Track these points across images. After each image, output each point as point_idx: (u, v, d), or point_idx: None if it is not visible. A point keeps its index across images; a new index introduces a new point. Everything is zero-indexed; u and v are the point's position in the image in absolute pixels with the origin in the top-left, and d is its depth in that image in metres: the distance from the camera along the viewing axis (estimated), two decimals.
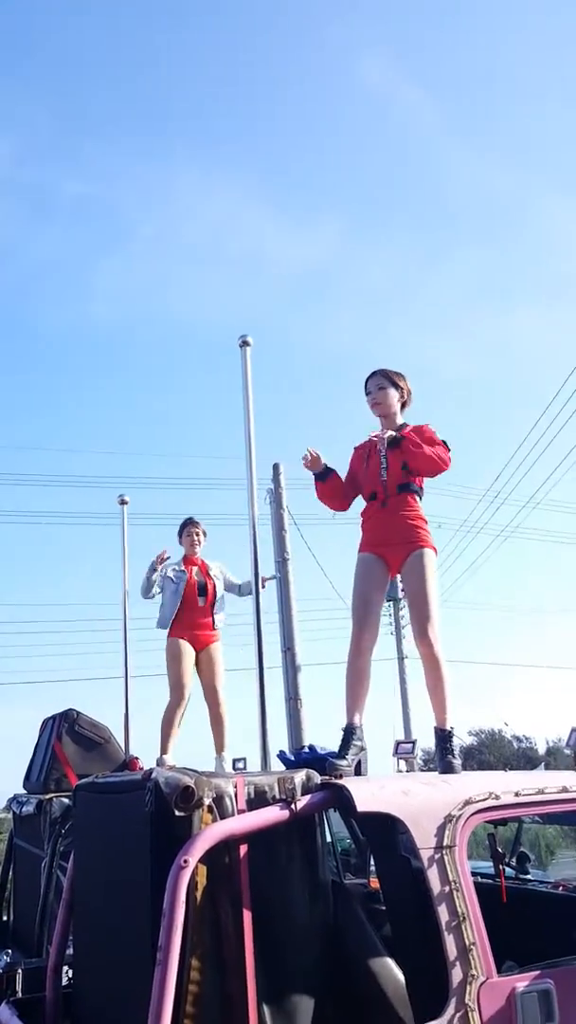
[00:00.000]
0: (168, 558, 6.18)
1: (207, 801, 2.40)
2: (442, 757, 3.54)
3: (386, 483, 3.97)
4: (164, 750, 5.86)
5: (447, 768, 3.45)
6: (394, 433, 3.99)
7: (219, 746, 5.92)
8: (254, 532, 3.68)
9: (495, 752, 38.95)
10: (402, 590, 4.10)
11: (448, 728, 3.66)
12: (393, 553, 3.90)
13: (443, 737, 3.63)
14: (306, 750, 3.79)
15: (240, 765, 5.73)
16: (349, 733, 3.61)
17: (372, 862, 4.38)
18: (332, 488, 4.12)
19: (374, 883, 4.14)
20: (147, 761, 5.56)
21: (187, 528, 6.31)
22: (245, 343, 3.78)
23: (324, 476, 4.12)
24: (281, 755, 3.72)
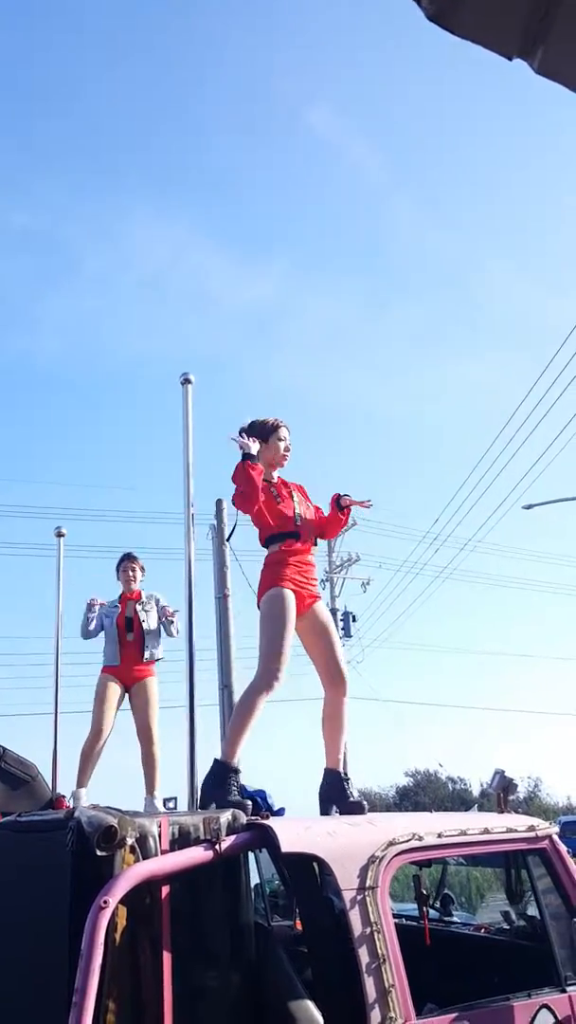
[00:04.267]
0: (98, 604, 6.11)
1: (130, 841, 2.38)
2: (346, 797, 3.60)
3: (302, 529, 4.03)
4: (81, 783, 5.75)
5: (354, 808, 3.49)
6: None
7: (150, 786, 5.83)
8: (189, 569, 3.69)
9: (430, 793, 39.03)
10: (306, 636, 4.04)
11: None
12: (307, 597, 3.95)
13: (342, 778, 3.74)
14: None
15: (171, 805, 5.64)
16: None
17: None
18: (256, 478, 3.96)
19: (300, 925, 4.11)
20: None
21: (123, 564, 6.25)
22: (187, 380, 3.81)
23: (255, 458, 3.99)
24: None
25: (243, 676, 15.99)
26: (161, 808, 5.48)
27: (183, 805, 4.94)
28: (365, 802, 3.55)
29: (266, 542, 4.05)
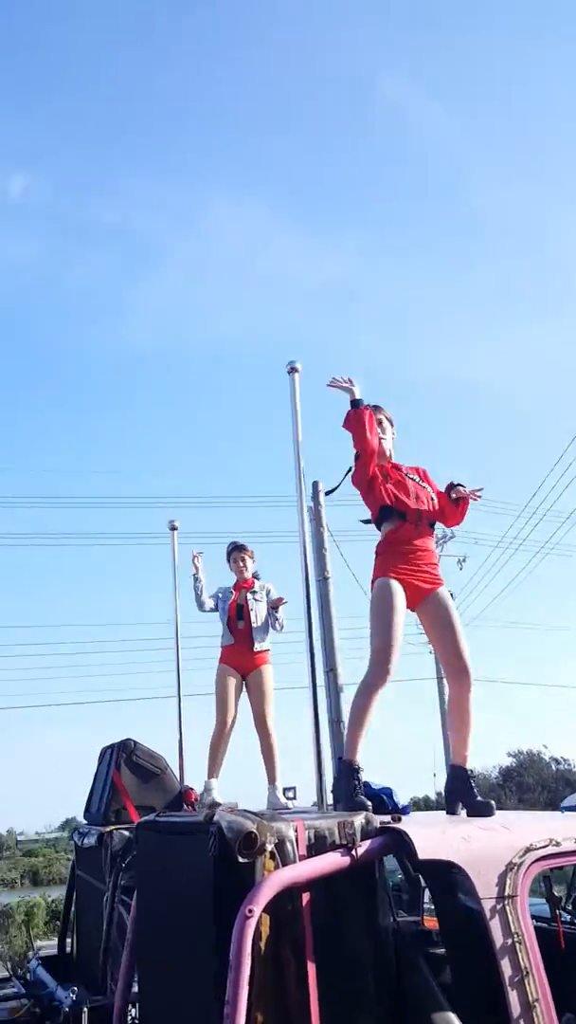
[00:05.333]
0: (199, 553, 6.17)
1: (269, 847, 2.40)
2: (473, 796, 3.53)
3: (420, 512, 3.94)
4: (211, 774, 5.85)
5: (482, 808, 3.44)
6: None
7: (271, 776, 5.87)
8: (304, 552, 3.65)
9: (534, 774, 38.28)
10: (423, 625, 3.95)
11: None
12: (422, 585, 3.86)
13: (469, 775, 3.64)
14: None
15: (290, 795, 5.70)
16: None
17: (426, 902, 4.35)
18: (369, 420, 3.90)
19: (428, 922, 4.09)
20: (199, 788, 5.58)
21: (233, 554, 6.27)
22: (294, 369, 3.74)
23: (360, 403, 3.93)
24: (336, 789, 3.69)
25: (347, 660, 16.02)
26: (282, 798, 5.53)
27: (304, 794, 4.97)
28: (493, 802, 3.49)
29: (379, 521, 3.95)
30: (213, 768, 5.89)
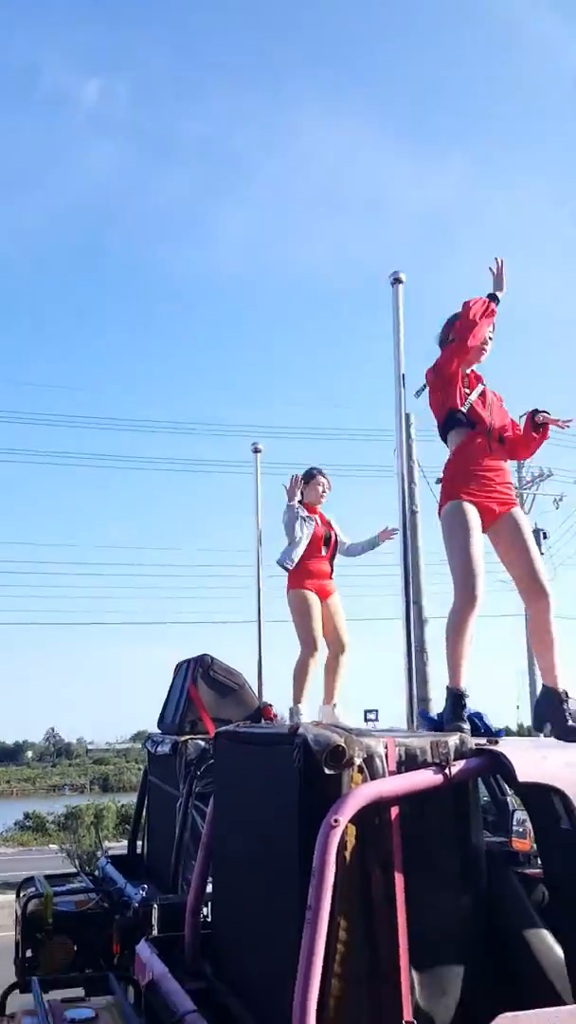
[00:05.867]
0: (301, 482, 6.04)
1: (357, 761, 2.31)
2: (564, 720, 3.39)
3: (494, 429, 3.73)
4: (298, 699, 5.82)
5: (572, 733, 3.30)
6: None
7: (331, 695, 5.82)
8: (403, 481, 3.50)
9: None
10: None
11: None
12: (496, 505, 3.68)
13: (560, 696, 3.49)
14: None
15: (372, 717, 5.65)
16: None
17: (514, 824, 4.24)
18: (487, 322, 3.73)
19: (516, 843, 4.00)
20: (280, 709, 5.56)
21: (316, 477, 6.15)
22: (397, 280, 3.51)
23: (498, 302, 3.75)
24: (422, 713, 3.59)
25: (429, 592, 15.89)
26: (337, 717, 5.45)
27: (392, 721, 4.90)
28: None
29: (446, 427, 3.75)
30: (299, 694, 5.84)
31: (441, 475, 3.84)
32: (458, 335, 3.71)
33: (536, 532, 23.94)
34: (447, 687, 3.50)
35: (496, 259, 3.79)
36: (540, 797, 2.48)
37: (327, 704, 5.80)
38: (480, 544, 3.59)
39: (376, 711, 5.75)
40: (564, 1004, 2.25)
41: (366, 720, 5.62)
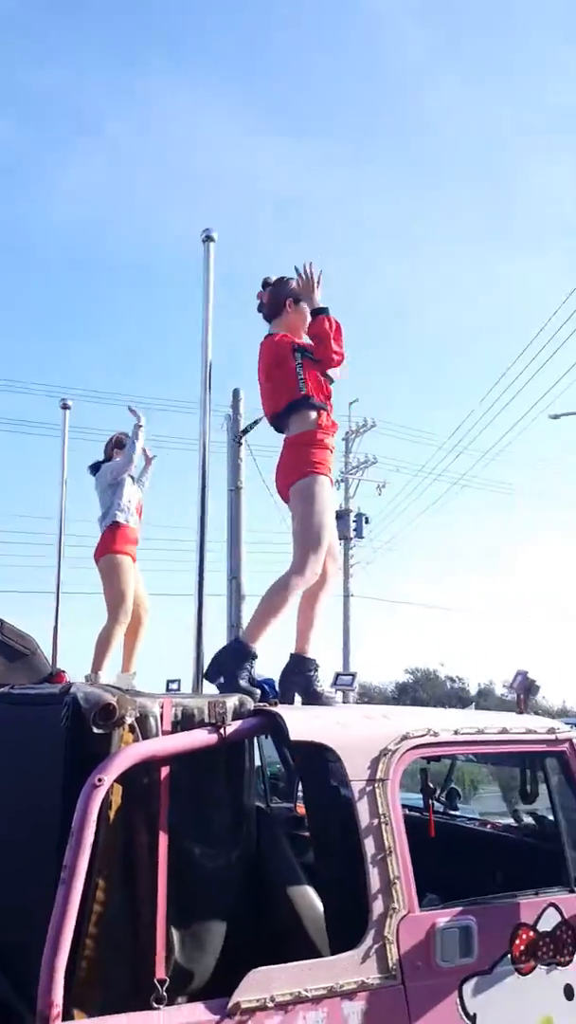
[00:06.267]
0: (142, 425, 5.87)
1: (129, 720, 2.26)
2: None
3: (329, 404, 3.82)
4: (98, 668, 5.68)
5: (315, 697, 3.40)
6: None
7: (129, 663, 5.76)
8: (204, 455, 3.44)
9: (428, 691, 39.93)
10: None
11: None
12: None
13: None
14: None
15: (174, 687, 5.61)
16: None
17: (300, 789, 4.34)
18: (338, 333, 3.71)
19: (300, 808, 4.09)
20: (76, 678, 5.39)
21: (124, 442, 6.03)
22: (209, 237, 3.43)
23: (327, 311, 3.70)
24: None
25: (250, 567, 16.05)
26: (134, 686, 5.40)
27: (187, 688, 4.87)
28: (335, 697, 3.45)
29: (302, 403, 3.72)
30: (100, 662, 5.70)
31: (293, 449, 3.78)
32: (321, 359, 3.71)
33: (359, 517, 24.79)
34: (238, 638, 3.53)
35: (307, 266, 3.73)
36: (310, 757, 2.52)
37: (126, 672, 5.72)
38: (333, 525, 3.69)
39: (179, 680, 5.70)
40: (321, 958, 2.30)
41: (168, 690, 5.57)
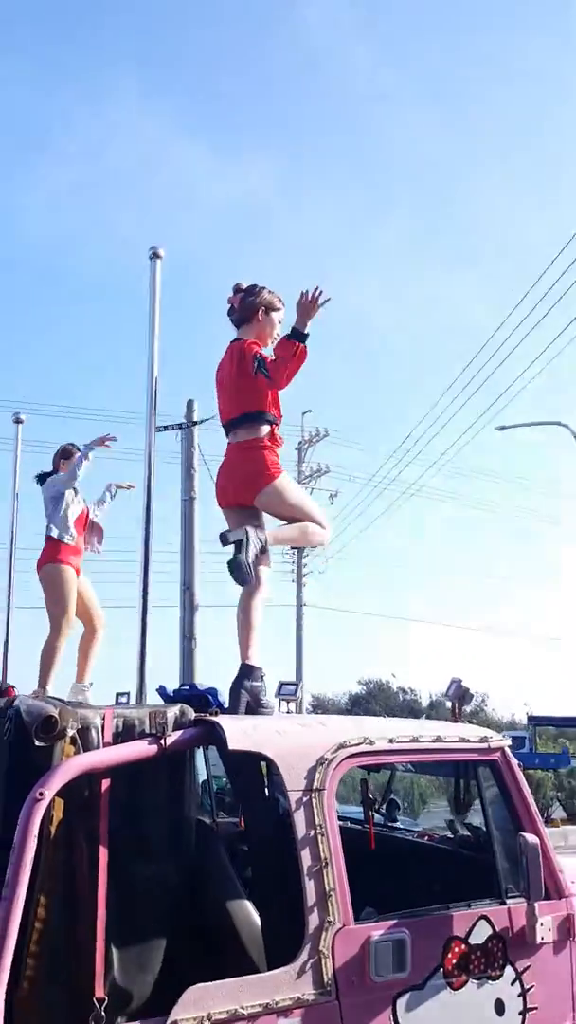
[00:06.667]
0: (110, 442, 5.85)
1: (71, 732, 2.28)
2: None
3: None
4: (44, 683, 5.63)
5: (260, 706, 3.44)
6: None
7: (83, 674, 5.73)
8: (149, 462, 3.47)
9: (381, 702, 40.14)
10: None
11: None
12: None
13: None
14: (187, 687, 3.68)
15: (124, 700, 5.59)
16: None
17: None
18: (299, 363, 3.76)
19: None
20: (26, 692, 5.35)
21: (73, 452, 6.00)
22: (156, 255, 3.49)
23: (305, 339, 3.70)
24: (161, 690, 3.60)
25: (204, 577, 15.98)
26: (89, 698, 5.38)
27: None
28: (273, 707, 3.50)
29: (256, 417, 3.77)
30: (46, 677, 5.65)
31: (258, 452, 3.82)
32: (272, 375, 3.74)
33: None
34: (244, 663, 3.58)
35: (310, 292, 3.67)
36: (248, 766, 2.56)
37: (79, 682, 5.68)
38: None
39: (128, 693, 5.68)
40: (259, 972, 2.32)
41: (117, 703, 5.55)
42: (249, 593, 3.69)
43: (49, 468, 6.08)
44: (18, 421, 5.64)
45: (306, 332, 3.69)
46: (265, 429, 3.78)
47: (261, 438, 3.76)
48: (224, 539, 3.53)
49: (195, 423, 14.70)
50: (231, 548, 3.50)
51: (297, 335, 3.69)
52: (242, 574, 3.44)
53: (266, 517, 3.86)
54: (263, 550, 3.59)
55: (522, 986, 2.69)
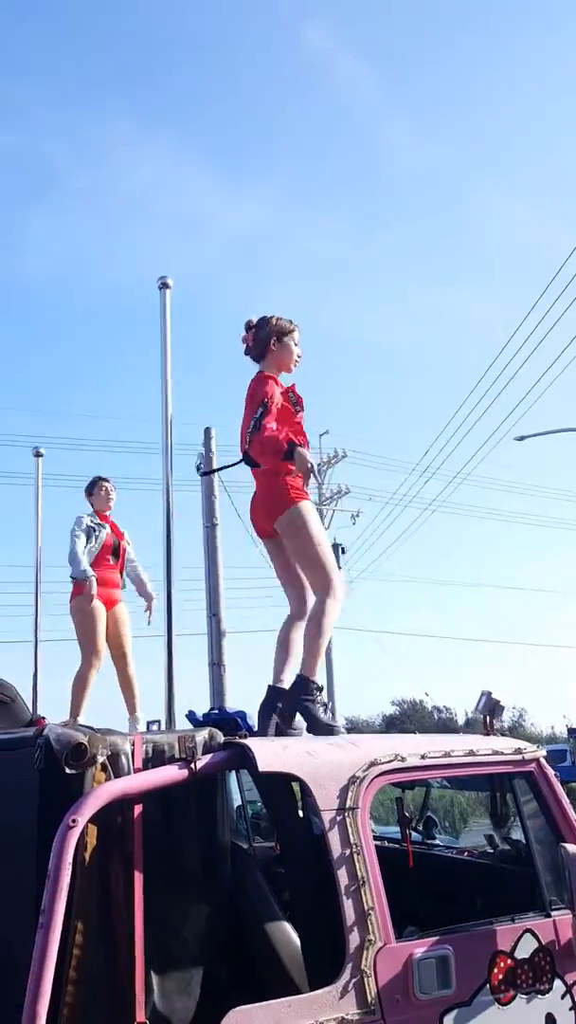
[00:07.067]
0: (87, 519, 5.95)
1: (101, 759, 2.28)
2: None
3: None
4: (76, 714, 5.67)
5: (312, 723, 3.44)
6: None
7: (132, 707, 5.78)
8: (167, 491, 3.50)
9: (416, 722, 39.77)
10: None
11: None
12: None
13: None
14: (216, 711, 3.68)
15: (155, 728, 5.60)
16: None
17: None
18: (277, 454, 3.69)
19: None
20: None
21: (99, 483, 6.09)
22: (165, 284, 3.55)
23: (291, 455, 3.66)
24: (190, 715, 3.60)
25: (230, 604, 16.00)
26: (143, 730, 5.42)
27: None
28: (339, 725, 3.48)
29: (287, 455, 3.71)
30: (78, 708, 5.71)
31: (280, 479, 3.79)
32: (257, 433, 3.74)
33: (335, 547, 24.85)
34: (300, 675, 3.56)
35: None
36: (280, 788, 2.54)
37: (131, 716, 5.72)
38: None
39: (159, 721, 5.68)
40: (301, 993, 2.29)
41: (148, 729, 5.55)
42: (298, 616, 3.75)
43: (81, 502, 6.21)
44: (38, 455, 5.71)
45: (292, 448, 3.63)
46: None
47: (282, 464, 3.76)
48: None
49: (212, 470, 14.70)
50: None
51: (290, 451, 3.63)
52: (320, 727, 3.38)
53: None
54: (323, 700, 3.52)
55: (573, 999, 2.64)
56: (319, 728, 3.34)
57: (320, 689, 3.54)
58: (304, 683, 3.53)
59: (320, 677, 3.67)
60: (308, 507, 3.76)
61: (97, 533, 5.86)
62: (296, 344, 4.00)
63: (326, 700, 3.53)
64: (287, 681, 3.71)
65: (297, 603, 3.87)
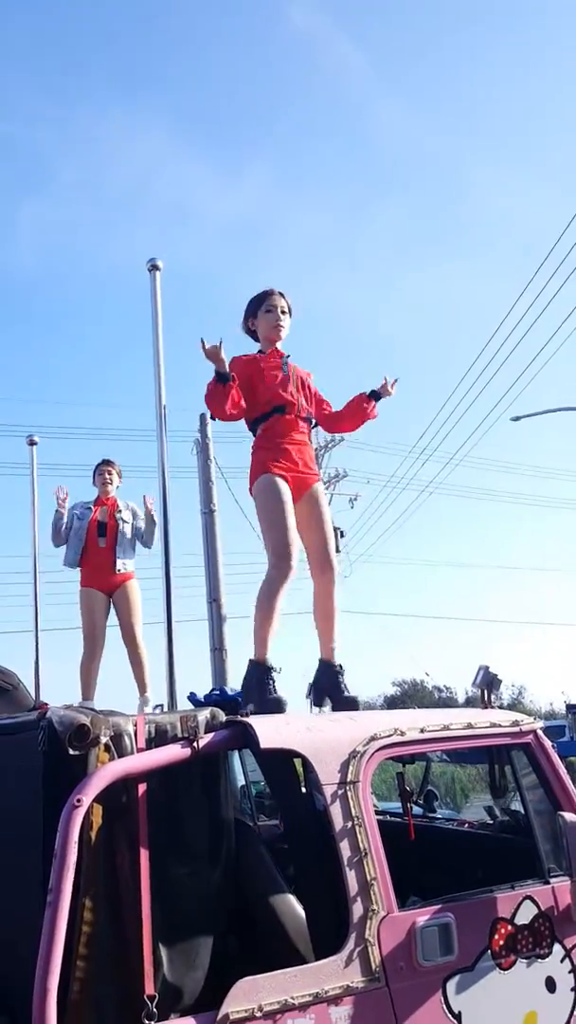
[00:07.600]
0: (65, 496, 5.98)
1: (104, 740, 2.31)
2: (340, 691, 3.53)
3: (297, 405, 3.81)
4: (86, 697, 5.75)
5: (348, 703, 3.47)
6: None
7: (142, 687, 5.82)
8: (163, 472, 3.51)
9: (417, 702, 39.93)
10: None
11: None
12: (303, 477, 3.78)
13: (335, 669, 3.64)
14: (217, 692, 3.72)
15: (158, 710, 5.66)
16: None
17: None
18: (233, 394, 3.65)
19: None
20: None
21: (99, 467, 6.14)
22: (155, 267, 3.53)
23: (226, 378, 3.60)
24: (191, 697, 3.65)
25: (231, 591, 16.06)
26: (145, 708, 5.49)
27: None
28: (358, 698, 3.51)
29: (252, 425, 3.82)
30: (88, 692, 5.78)
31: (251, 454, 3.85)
32: (215, 416, 3.82)
33: (334, 531, 24.90)
34: (251, 659, 3.52)
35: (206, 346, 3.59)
36: (282, 765, 2.58)
37: (141, 696, 5.79)
38: (292, 515, 3.64)
39: (161, 705, 5.75)
40: (307, 963, 2.34)
41: (155, 711, 5.63)
42: (332, 582, 3.79)
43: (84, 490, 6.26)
44: (32, 443, 5.72)
45: (224, 372, 3.61)
46: (257, 431, 3.83)
47: (259, 435, 3.82)
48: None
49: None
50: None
51: (220, 376, 3.62)
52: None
53: None
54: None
55: (572, 963, 2.70)
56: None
57: (271, 669, 3.45)
58: (252, 667, 3.51)
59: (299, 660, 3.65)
60: (265, 480, 3.68)
61: (80, 522, 5.90)
62: (271, 310, 3.92)
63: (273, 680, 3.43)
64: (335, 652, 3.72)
65: (312, 569, 3.86)
